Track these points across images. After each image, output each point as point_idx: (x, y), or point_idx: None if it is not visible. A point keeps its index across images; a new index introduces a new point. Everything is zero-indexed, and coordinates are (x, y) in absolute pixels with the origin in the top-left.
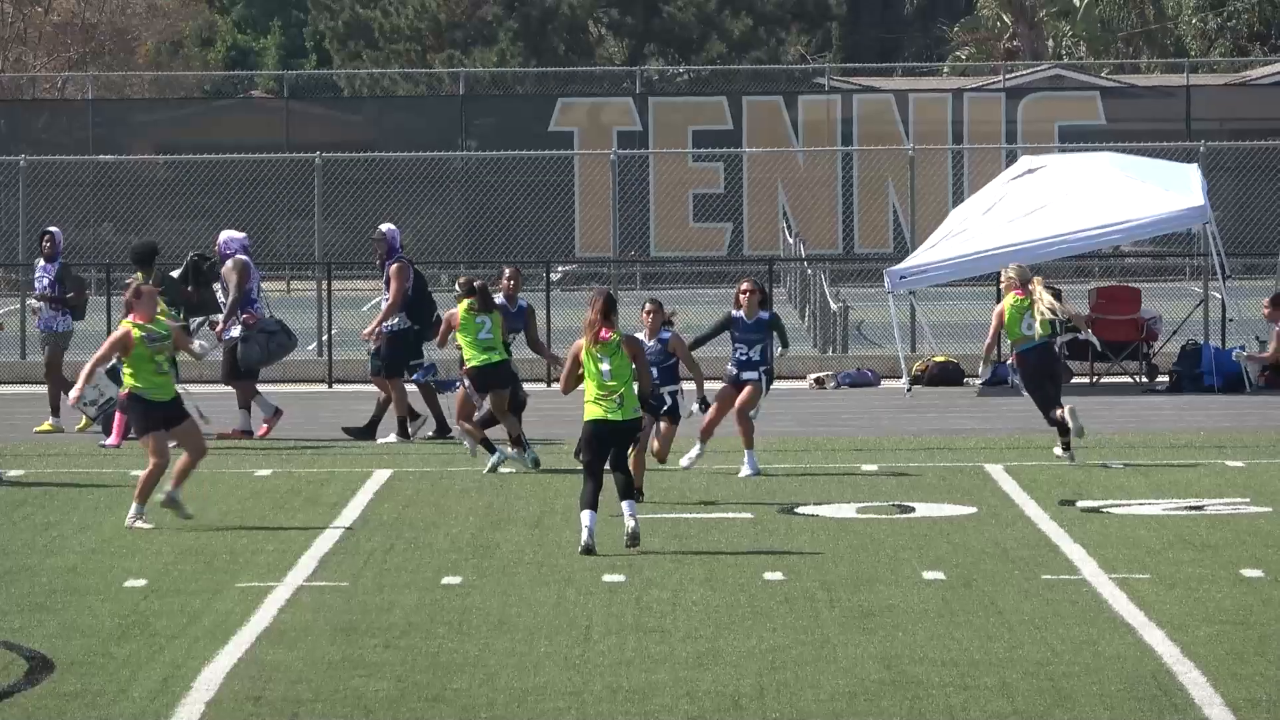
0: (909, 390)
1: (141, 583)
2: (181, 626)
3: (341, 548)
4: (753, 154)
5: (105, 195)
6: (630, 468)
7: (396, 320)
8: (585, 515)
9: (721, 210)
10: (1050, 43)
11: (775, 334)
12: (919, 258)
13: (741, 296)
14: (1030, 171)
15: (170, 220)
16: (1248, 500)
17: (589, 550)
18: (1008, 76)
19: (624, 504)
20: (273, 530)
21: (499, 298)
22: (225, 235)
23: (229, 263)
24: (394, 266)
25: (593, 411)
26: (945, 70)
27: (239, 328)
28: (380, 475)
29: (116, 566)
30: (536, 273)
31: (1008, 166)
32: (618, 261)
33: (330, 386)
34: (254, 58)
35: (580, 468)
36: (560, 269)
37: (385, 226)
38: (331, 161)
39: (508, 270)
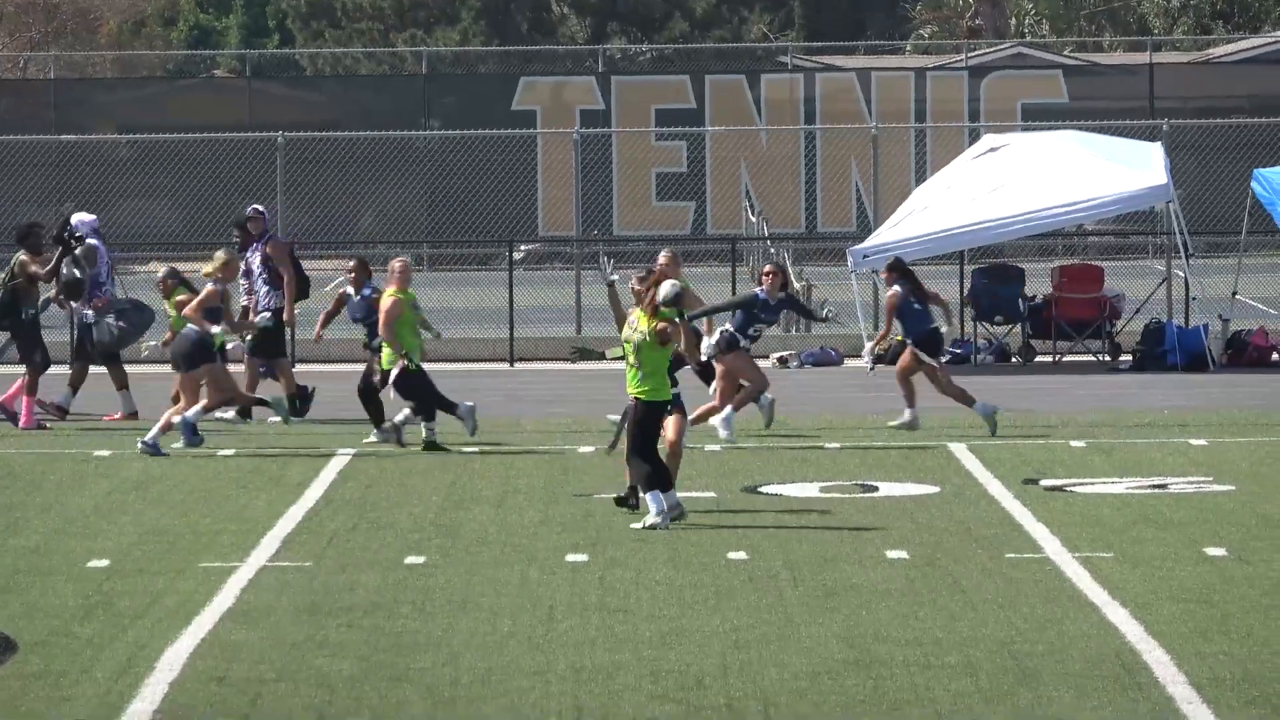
0: (871, 369)
1: (104, 563)
2: (144, 607)
3: (305, 528)
4: (715, 133)
5: (67, 175)
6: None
7: (273, 299)
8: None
9: (685, 189)
10: (1013, 21)
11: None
12: (882, 236)
13: (765, 279)
14: (993, 150)
15: (132, 199)
16: (1210, 479)
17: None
18: (970, 55)
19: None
20: (236, 510)
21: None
22: (77, 217)
23: (80, 248)
24: (272, 245)
25: (667, 393)
26: (908, 49)
27: (90, 311)
28: (343, 455)
29: (79, 547)
30: (499, 252)
31: (970, 145)
32: (580, 240)
33: (292, 365)
34: (216, 37)
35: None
36: (522, 248)
37: (259, 206)
38: (294, 141)
39: (352, 262)
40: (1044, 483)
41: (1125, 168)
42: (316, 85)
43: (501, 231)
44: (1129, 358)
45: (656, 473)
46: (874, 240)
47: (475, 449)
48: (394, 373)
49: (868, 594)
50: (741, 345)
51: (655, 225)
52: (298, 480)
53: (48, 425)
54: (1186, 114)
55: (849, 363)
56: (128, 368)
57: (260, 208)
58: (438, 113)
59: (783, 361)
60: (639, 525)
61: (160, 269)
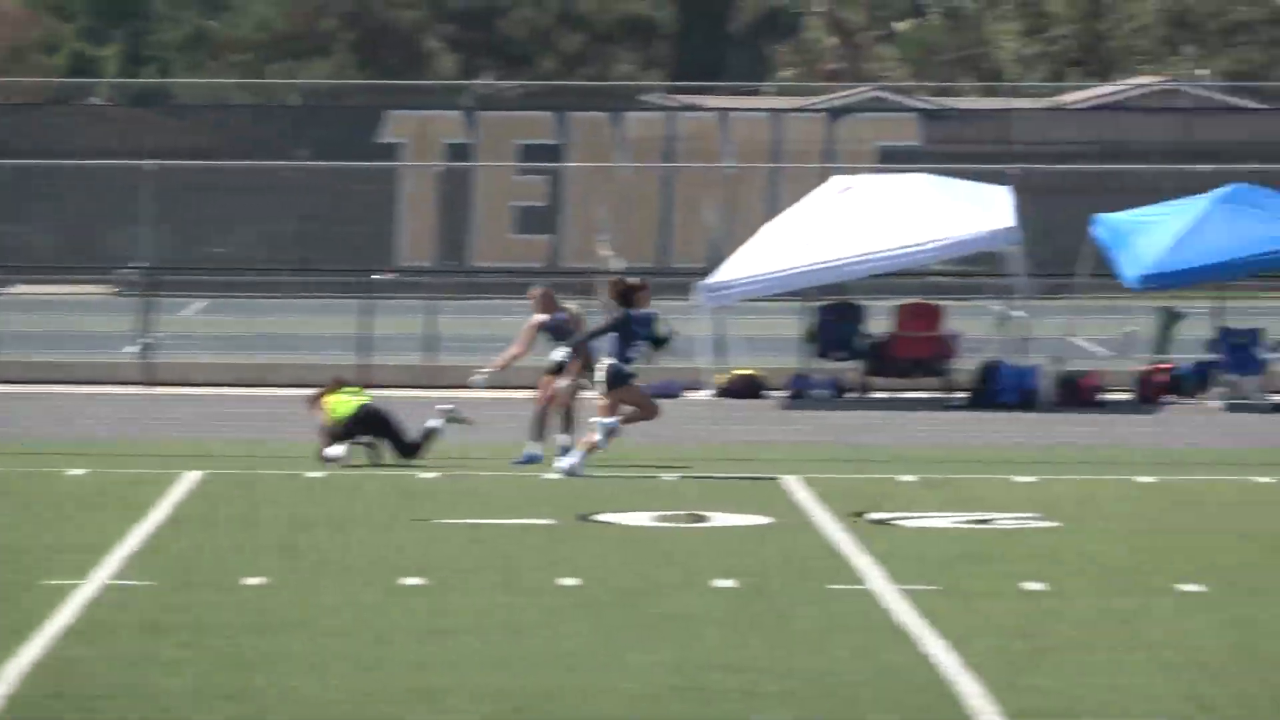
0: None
1: None
2: None
3: (149, 547)
4: (577, 168)
5: None
6: None
7: None
8: None
9: (543, 223)
10: (871, 65)
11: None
12: (730, 272)
13: (640, 294)
14: (844, 190)
15: (5, 224)
16: (1036, 515)
17: None
18: (829, 97)
19: None
20: (80, 529)
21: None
22: None
23: None
24: None
25: None
26: (769, 90)
27: None
28: (191, 477)
29: None
30: (359, 280)
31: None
32: (438, 271)
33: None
34: (96, 66)
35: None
36: (381, 276)
37: None
38: (168, 169)
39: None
40: (871, 516)
41: (973, 209)
42: (190, 114)
43: (364, 260)
44: (963, 395)
45: None
46: (723, 276)
47: (321, 473)
48: None
49: (695, 622)
50: (628, 373)
51: (512, 258)
52: (144, 500)
53: None
54: (1037, 159)
55: (690, 395)
56: None
57: None
58: (309, 144)
59: None
60: None
61: None
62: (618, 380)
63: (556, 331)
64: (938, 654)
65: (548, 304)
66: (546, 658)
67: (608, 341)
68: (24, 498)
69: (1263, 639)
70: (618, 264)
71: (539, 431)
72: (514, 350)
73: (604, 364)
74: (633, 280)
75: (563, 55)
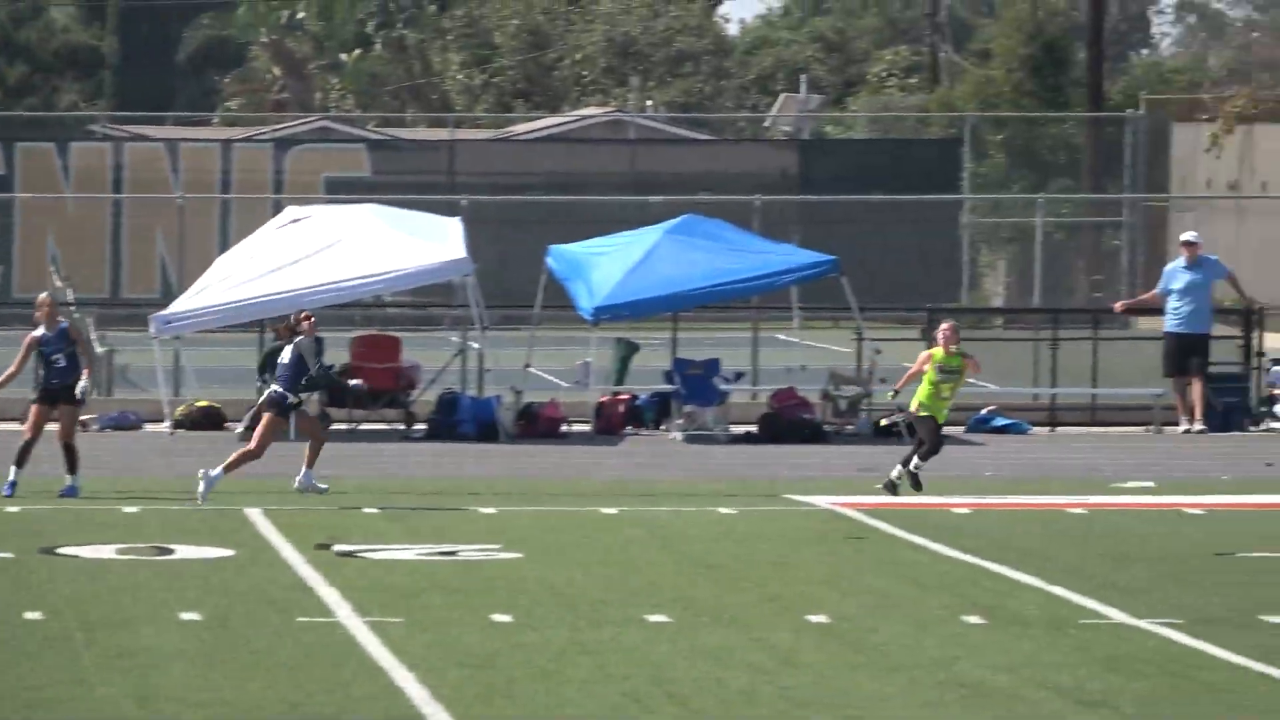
0: (172, 433)
1: None
2: None
3: None
4: (24, 199)
5: None
6: None
7: None
8: None
9: None
10: (319, 95)
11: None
12: (184, 303)
13: (306, 322)
14: (295, 221)
15: None
16: (499, 546)
17: None
18: (276, 127)
19: None
20: None
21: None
22: None
23: None
24: None
25: None
26: (216, 120)
27: None
28: None
29: None
30: None
31: (275, 216)
32: None
33: None
34: None
35: None
36: None
37: None
38: None
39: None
40: (336, 548)
41: (424, 241)
42: None
43: None
44: (423, 427)
45: None
46: (176, 307)
47: None
48: None
49: (161, 655)
50: (291, 403)
51: None
52: None
53: None
54: (486, 189)
55: (149, 427)
56: None
57: None
58: None
59: (83, 425)
60: None
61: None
62: (282, 408)
63: (53, 345)
64: (408, 685)
65: (49, 316)
66: (11, 693)
67: (284, 368)
68: None
69: (729, 669)
70: (71, 295)
71: (23, 460)
72: (11, 369)
73: (271, 389)
74: (298, 314)
75: (5, 86)
